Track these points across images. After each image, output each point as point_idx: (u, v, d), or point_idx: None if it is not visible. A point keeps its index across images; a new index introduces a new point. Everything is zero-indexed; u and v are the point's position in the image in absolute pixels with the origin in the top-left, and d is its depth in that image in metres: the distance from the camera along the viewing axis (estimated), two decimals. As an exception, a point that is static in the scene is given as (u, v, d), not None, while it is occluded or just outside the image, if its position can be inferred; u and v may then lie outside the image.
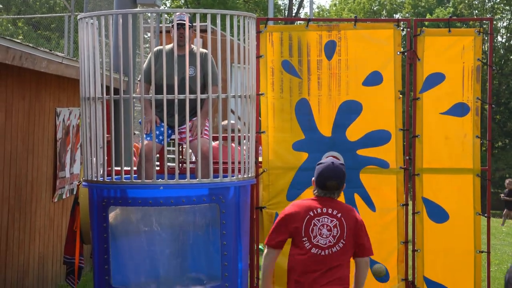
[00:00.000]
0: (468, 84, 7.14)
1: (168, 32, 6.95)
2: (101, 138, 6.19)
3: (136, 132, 10.66)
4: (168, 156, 6.46)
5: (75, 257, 7.17)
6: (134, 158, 8.29)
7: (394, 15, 42.92)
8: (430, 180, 7.17)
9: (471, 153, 7.16)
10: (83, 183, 6.44)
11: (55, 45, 20.91)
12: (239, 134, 6.45)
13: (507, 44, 41.08)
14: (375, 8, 44.13)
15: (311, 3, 32.38)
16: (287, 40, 7.20)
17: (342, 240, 5.40)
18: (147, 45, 17.20)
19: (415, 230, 7.22)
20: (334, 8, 46.51)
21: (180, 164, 7.53)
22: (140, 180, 6.11)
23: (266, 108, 7.20)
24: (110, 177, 6.17)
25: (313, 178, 5.62)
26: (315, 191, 5.56)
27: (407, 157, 7.24)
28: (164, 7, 35.65)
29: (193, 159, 7.84)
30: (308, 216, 5.42)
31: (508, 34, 41.45)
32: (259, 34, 7.12)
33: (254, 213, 7.07)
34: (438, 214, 7.16)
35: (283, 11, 42.96)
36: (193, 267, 6.40)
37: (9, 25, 29.44)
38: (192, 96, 6.11)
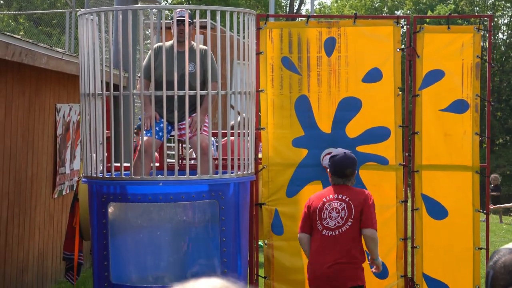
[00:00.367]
0: (468, 81, 7.14)
1: (168, 28, 6.96)
2: (101, 134, 6.19)
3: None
4: (169, 152, 6.46)
5: (75, 253, 7.18)
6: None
7: (396, 11, 42.86)
8: (430, 177, 7.17)
9: (470, 150, 7.16)
10: (83, 179, 6.45)
11: (56, 41, 20.91)
12: (244, 131, 6.45)
13: (508, 41, 41.04)
14: (376, 5, 44.09)
15: (312, -1, 32.31)
16: (287, 36, 7.20)
17: (350, 220, 5.95)
18: (148, 41, 17.20)
19: (414, 226, 7.23)
20: (335, 5, 46.47)
21: (180, 161, 7.53)
22: (139, 176, 6.12)
23: (266, 104, 7.20)
24: (110, 173, 6.18)
25: (327, 170, 6.22)
26: (332, 181, 6.15)
27: (407, 154, 7.25)
28: (165, 3, 35.64)
29: (193, 155, 7.84)
30: (322, 202, 6.06)
31: (509, 31, 41.41)
32: (259, 30, 7.12)
33: (253, 210, 7.07)
34: (437, 210, 7.17)
35: (284, 7, 42.93)
36: (192, 264, 6.41)
37: (10, 21, 29.43)
38: (192, 93, 6.11)
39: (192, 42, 6.66)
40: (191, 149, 7.25)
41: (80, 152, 9.76)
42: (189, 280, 1.76)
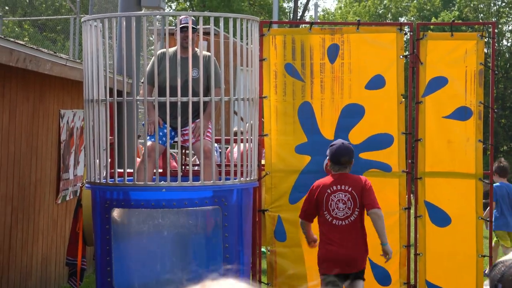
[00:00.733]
0: (471, 88, 7.14)
1: (172, 34, 6.98)
2: (104, 140, 6.21)
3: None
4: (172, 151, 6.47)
5: (78, 258, 7.19)
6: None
7: (400, 18, 42.86)
8: (433, 184, 7.17)
9: (473, 157, 7.15)
10: (86, 185, 6.46)
11: (61, 47, 20.96)
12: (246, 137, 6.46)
13: (512, 48, 41.00)
14: (380, 12, 44.10)
15: (316, 6, 32.40)
16: (290, 43, 7.21)
17: (356, 209, 6.46)
18: (152, 48, 17.23)
19: (417, 233, 7.22)
20: (339, 11, 46.50)
21: (183, 167, 7.54)
22: (142, 182, 6.13)
23: (269, 111, 7.21)
24: (113, 179, 6.19)
25: (327, 159, 6.66)
26: (332, 169, 6.57)
27: (410, 161, 7.24)
28: (169, 10, 35.71)
29: (197, 161, 7.85)
30: (327, 194, 6.48)
31: (514, 38, 41.38)
32: (262, 37, 7.13)
33: (256, 216, 7.07)
34: (440, 218, 7.16)
35: (288, 14, 42.96)
36: (195, 270, 6.41)
37: (15, 27, 29.50)
38: (195, 99, 6.12)
39: (196, 49, 6.67)
40: (194, 155, 7.25)
41: (83, 158, 9.77)
42: (202, 282, 1.73)
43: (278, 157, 7.20)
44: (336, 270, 6.41)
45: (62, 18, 21.41)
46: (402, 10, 43.93)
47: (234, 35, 6.21)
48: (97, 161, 6.24)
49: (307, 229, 6.71)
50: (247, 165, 6.36)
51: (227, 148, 10.52)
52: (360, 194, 6.49)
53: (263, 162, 7.23)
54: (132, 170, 6.25)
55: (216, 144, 8.87)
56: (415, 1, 43.43)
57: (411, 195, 7.56)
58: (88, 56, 6.28)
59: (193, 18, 6.54)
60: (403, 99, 7.20)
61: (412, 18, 41.87)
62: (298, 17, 41.23)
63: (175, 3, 39.94)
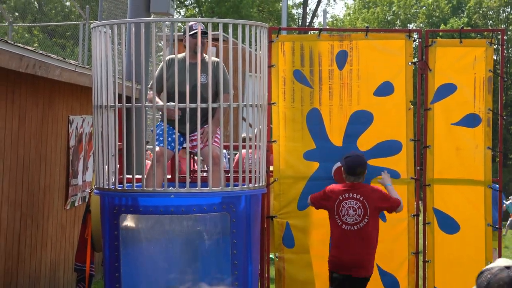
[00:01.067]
0: (480, 95, 7.13)
1: (181, 40, 6.98)
2: (113, 146, 6.22)
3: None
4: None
5: (86, 264, 7.19)
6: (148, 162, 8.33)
7: (408, 25, 42.84)
8: (441, 191, 7.15)
9: (482, 164, 7.13)
10: (95, 190, 6.47)
11: (70, 52, 21.02)
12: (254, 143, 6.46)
13: (521, 54, 40.92)
14: (389, 18, 44.10)
15: (325, 12, 32.42)
16: (299, 49, 7.21)
17: (366, 217, 6.62)
18: (161, 54, 17.27)
19: (426, 240, 7.20)
20: (348, 18, 46.52)
21: (191, 173, 7.54)
22: (151, 188, 6.13)
23: (278, 117, 7.21)
24: (122, 185, 6.20)
25: (336, 165, 7.00)
26: (346, 179, 6.74)
27: (418, 168, 7.23)
28: (178, 16, 35.77)
29: (205, 167, 7.85)
30: (338, 200, 6.68)
31: (523, 45, 41.28)
32: (271, 43, 7.14)
33: (264, 223, 7.07)
34: (449, 225, 7.14)
35: (297, 20, 43.00)
36: (203, 276, 6.41)
37: (25, 32, 29.62)
38: (204, 105, 6.13)
39: (205, 55, 6.68)
40: (203, 161, 7.26)
41: (92, 163, 9.79)
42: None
43: (286, 164, 7.20)
44: (342, 271, 6.60)
45: (72, 24, 21.48)
46: (411, 17, 43.92)
47: (243, 41, 6.21)
48: (106, 167, 6.25)
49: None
50: (255, 171, 6.36)
51: (235, 154, 10.52)
52: (374, 204, 6.66)
53: (271, 168, 7.23)
54: (140, 176, 6.25)
55: (224, 150, 8.86)
56: (424, 8, 43.41)
57: (420, 202, 7.55)
58: (97, 62, 6.29)
59: (202, 24, 6.55)
60: (412, 106, 7.19)
61: (421, 24, 41.84)
62: (307, 24, 41.27)
63: (184, 10, 40.04)
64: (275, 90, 7.19)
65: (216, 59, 6.59)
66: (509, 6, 41.39)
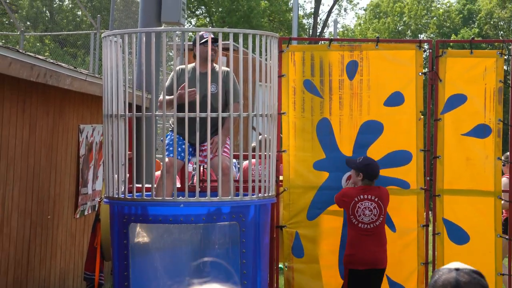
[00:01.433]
0: (490, 106, 7.12)
1: (191, 50, 7.00)
2: (123, 155, 6.23)
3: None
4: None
5: (96, 273, 7.20)
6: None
7: (419, 35, 42.83)
8: (451, 201, 7.14)
9: (492, 174, 7.12)
10: (105, 199, 6.48)
11: (81, 62, 21.09)
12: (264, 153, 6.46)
13: (532, 65, 40.82)
14: (399, 28, 44.09)
15: (336, 22, 32.44)
16: (309, 59, 7.22)
17: (381, 216, 6.89)
18: (171, 63, 17.30)
19: (436, 251, 7.19)
20: (358, 28, 46.53)
21: (201, 182, 7.55)
22: (160, 198, 6.14)
23: (288, 127, 7.22)
24: (131, 194, 6.20)
25: (347, 174, 7.15)
26: (363, 183, 6.96)
27: (428, 178, 7.22)
28: (189, 26, 35.85)
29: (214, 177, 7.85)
30: (354, 202, 6.89)
31: (534, 56, 41.18)
32: (281, 53, 7.15)
33: (274, 232, 7.07)
34: (459, 235, 7.12)
35: (307, 30, 43.04)
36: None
37: (36, 42, 29.74)
38: (214, 115, 6.14)
39: (215, 64, 6.70)
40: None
41: (102, 172, 9.81)
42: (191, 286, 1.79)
43: (296, 173, 7.20)
44: (363, 266, 6.81)
45: (83, 33, 21.54)
46: (421, 27, 43.89)
47: (253, 51, 6.22)
48: (116, 176, 6.26)
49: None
50: (265, 180, 6.36)
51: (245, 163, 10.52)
52: (385, 204, 6.94)
53: (281, 178, 7.23)
54: (150, 185, 6.26)
55: (234, 160, 8.87)
56: (435, 18, 43.38)
57: (429, 212, 7.53)
58: (108, 71, 6.31)
59: (212, 34, 6.56)
60: (422, 116, 7.19)
61: (432, 35, 41.81)
62: (318, 34, 41.30)
63: (194, 19, 40.14)
64: (285, 100, 7.20)
65: (226, 69, 6.60)
66: (520, 17, 41.31)
